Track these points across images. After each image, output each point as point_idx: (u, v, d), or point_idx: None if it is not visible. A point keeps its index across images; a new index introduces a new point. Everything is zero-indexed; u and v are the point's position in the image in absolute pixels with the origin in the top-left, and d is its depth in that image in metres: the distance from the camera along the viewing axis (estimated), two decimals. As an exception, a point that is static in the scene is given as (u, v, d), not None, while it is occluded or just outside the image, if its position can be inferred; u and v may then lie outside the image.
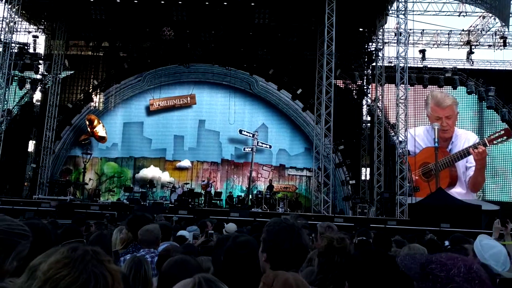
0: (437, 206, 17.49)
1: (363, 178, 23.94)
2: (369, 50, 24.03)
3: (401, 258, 1.66)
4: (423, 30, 25.59)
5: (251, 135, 24.27)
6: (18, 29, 23.89)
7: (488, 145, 24.60)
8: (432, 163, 24.36)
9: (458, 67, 25.30)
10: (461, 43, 26.16)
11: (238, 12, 21.70)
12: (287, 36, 23.35)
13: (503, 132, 24.59)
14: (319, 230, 4.40)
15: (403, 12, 20.66)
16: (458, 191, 23.41)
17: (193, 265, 2.74)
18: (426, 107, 25.37)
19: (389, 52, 23.26)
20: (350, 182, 23.07)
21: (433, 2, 24.25)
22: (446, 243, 7.17)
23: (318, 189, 19.58)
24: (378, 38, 23.54)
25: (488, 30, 25.52)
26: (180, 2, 21.55)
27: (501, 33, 25.13)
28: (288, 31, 23.13)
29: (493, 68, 26.11)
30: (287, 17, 21.88)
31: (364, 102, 24.47)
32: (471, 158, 24.51)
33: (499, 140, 24.59)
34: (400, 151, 19.99)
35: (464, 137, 24.93)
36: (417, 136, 24.10)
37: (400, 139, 20.25)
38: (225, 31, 23.28)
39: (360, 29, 23.73)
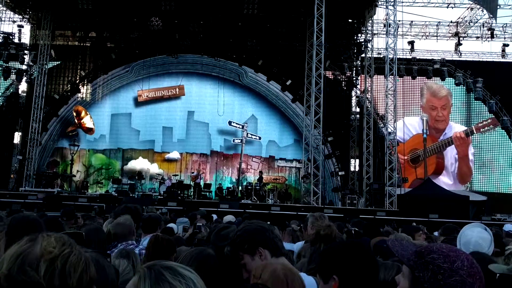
0: (426, 197, 17.64)
1: (352, 169, 24.07)
2: (358, 41, 24.00)
3: (391, 244, 1.64)
4: (411, 21, 25.63)
5: (240, 127, 24.20)
6: (3, 18, 23.48)
7: (475, 132, 24.88)
8: (421, 149, 24.54)
9: (446, 58, 25.41)
10: (450, 35, 26.27)
11: (227, 2, 21.49)
12: (276, 27, 23.21)
13: (490, 120, 24.84)
14: (310, 220, 4.40)
15: (392, 3, 20.67)
16: (445, 182, 23.64)
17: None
18: (421, 98, 25.52)
19: (378, 43, 23.37)
20: (340, 173, 23.14)
21: (422, -7, 24.29)
22: (436, 233, 7.22)
23: (304, 178, 19.66)
24: (367, 29, 23.54)
25: (476, 22, 25.65)
26: (168, -8, 21.29)
27: (489, 25, 25.25)
28: (277, 22, 22.99)
29: (481, 59, 26.29)
30: (276, 7, 21.72)
31: (353, 93, 24.52)
32: (459, 149, 24.78)
33: (486, 128, 24.82)
34: (389, 142, 20.08)
35: (457, 130, 25.17)
36: (410, 124, 24.36)
37: (389, 130, 20.34)
38: (214, 22, 23.06)
39: (349, 20, 23.68)
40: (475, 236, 3.25)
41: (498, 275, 2.31)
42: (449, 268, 1.44)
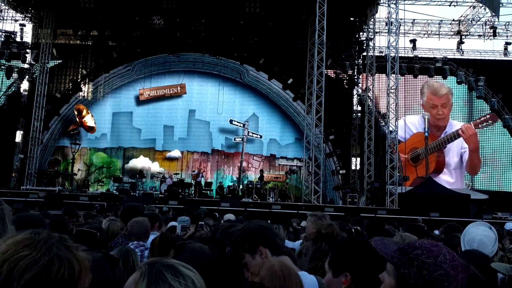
0: (427, 195, 17.62)
1: (353, 168, 24.00)
2: (360, 39, 23.93)
3: (374, 244, 1.67)
4: (414, 19, 25.56)
5: (241, 125, 24.19)
6: (5, 17, 23.48)
7: (474, 128, 24.83)
8: (421, 148, 24.50)
9: (448, 57, 25.33)
10: (452, 33, 26.19)
11: (229, 0, 21.48)
12: (278, 25, 23.18)
13: (489, 116, 24.77)
14: (311, 219, 4.40)
15: (394, 2, 20.63)
16: (446, 180, 23.58)
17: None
18: (421, 97, 25.47)
19: (380, 42, 23.32)
20: (341, 171, 23.11)
21: (424, -8, 24.24)
22: (436, 232, 7.20)
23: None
24: (369, 28, 23.47)
25: (478, 20, 25.57)
26: (169, -10, 21.28)
27: (491, 23, 25.20)
28: (279, 20, 22.96)
29: (483, 58, 26.22)
30: (278, 6, 21.70)
31: (354, 92, 24.44)
32: (465, 144, 24.66)
33: (485, 124, 24.76)
34: (390, 140, 20.06)
35: (458, 127, 25.12)
36: (411, 123, 24.32)
37: (391, 128, 20.32)
38: (216, 20, 23.04)
39: (351, 19, 23.62)
40: (479, 234, 3.25)
41: (507, 277, 2.31)
42: (433, 263, 1.48)
